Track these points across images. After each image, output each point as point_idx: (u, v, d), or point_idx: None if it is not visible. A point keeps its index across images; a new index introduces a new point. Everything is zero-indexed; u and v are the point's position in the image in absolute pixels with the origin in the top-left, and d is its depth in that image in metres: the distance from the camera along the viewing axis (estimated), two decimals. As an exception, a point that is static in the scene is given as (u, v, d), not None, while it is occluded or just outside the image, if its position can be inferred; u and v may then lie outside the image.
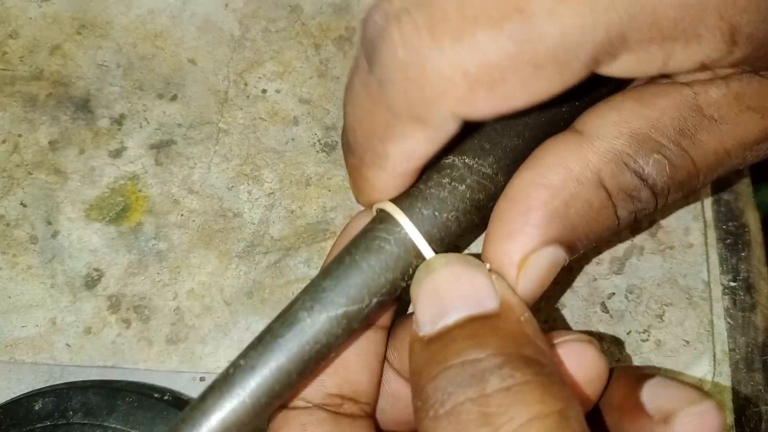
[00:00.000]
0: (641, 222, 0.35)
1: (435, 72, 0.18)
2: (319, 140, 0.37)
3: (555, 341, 0.21)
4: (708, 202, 0.36)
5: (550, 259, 0.21)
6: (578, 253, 0.22)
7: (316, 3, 0.39)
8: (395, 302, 0.25)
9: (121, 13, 0.39)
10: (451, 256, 0.21)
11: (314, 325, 0.21)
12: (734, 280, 0.36)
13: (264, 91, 0.38)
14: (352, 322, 0.21)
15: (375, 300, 0.22)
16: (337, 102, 0.37)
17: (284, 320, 0.22)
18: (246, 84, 0.38)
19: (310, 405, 0.23)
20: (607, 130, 0.21)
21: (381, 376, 0.25)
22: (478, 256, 0.22)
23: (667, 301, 0.34)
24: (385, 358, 0.25)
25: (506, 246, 0.21)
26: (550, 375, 0.18)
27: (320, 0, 0.39)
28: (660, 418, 0.20)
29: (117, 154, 0.36)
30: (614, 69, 0.19)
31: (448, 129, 0.19)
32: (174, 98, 0.37)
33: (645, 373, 0.22)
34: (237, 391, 0.21)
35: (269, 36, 0.39)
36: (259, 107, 0.37)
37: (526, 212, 0.21)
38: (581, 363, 0.21)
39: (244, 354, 0.22)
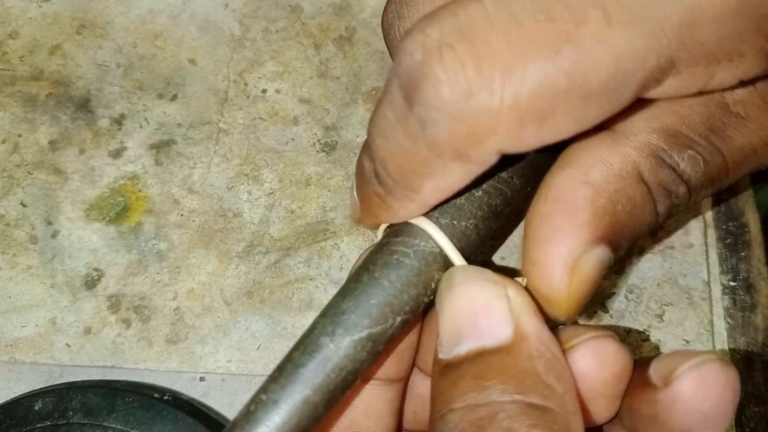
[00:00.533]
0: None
1: (484, 109, 0.17)
2: (319, 140, 0.37)
3: (574, 341, 0.21)
4: (708, 202, 0.36)
5: (600, 259, 0.20)
6: (622, 253, 0.22)
7: (316, 3, 0.39)
8: (419, 319, 0.24)
9: (121, 13, 0.39)
10: (470, 271, 0.20)
11: (338, 351, 0.20)
12: (734, 280, 0.36)
13: (264, 91, 0.38)
14: (378, 344, 0.20)
15: (399, 319, 0.20)
16: (337, 102, 0.37)
17: (305, 348, 0.20)
18: (246, 84, 0.38)
19: None
20: (641, 126, 0.20)
21: None
22: (502, 269, 0.22)
23: (667, 301, 0.34)
24: (400, 413, 0.24)
25: (555, 249, 0.20)
26: (553, 423, 0.17)
27: (320, 0, 0.39)
28: (662, 383, 0.20)
29: (117, 154, 0.36)
30: (658, 92, 0.19)
31: (489, 163, 0.19)
32: (174, 98, 0.37)
33: (656, 356, 0.21)
34: (262, 430, 0.19)
35: (269, 36, 0.39)
36: (259, 107, 0.37)
37: (574, 212, 0.20)
38: (605, 360, 0.20)
39: (265, 388, 0.20)
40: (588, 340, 0.21)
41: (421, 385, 0.25)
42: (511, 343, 0.18)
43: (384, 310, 0.20)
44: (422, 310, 0.22)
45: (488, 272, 0.20)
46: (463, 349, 0.19)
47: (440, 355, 0.19)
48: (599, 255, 0.20)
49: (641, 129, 0.20)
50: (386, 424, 0.24)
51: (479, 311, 0.19)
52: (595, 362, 0.20)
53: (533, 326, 0.19)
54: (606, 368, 0.20)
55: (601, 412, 0.21)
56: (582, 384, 0.20)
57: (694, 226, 0.35)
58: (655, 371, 0.20)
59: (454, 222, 0.21)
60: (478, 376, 0.18)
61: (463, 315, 0.19)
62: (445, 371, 0.19)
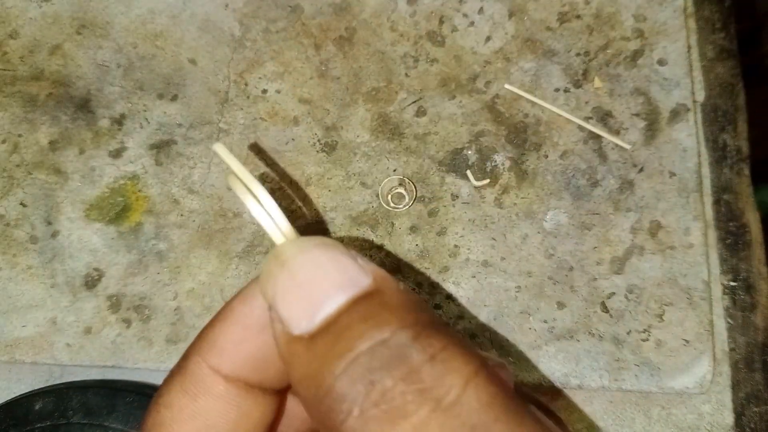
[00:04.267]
0: (642, 221, 0.35)
1: None
2: (319, 140, 0.37)
3: None
4: (708, 202, 0.36)
5: None
6: None
7: (316, 3, 0.39)
8: None
9: (121, 13, 0.39)
10: (302, 241, 0.19)
11: None
12: (734, 280, 0.35)
13: (264, 91, 0.38)
14: None
15: None
16: (337, 102, 0.37)
17: None
18: (246, 84, 0.38)
19: None
20: None
21: None
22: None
23: (667, 301, 0.34)
24: (275, 428, 0.22)
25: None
26: (456, 333, 0.18)
27: (320, 0, 0.39)
28: None
29: (117, 154, 0.36)
30: None
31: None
32: (174, 98, 0.37)
33: None
34: None
35: (269, 36, 0.39)
36: (259, 107, 0.37)
37: None
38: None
39: None
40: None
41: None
42: (377, 286, 0.18)
43: None
44: None
45: (319, 237, 0.20)
46: (331, 307, 0.18)
47: (297, 331, 0.18)
48: None
49: None
50: None
51: (331, 268, 0.18)
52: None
53: (383, 271, 0.19)
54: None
55: None
56: None
57: (694, 226, 0.35)
58: None
59: None
60: (367, 316, 0.17)
61: (314, 279, 0.18)
62: (315, 339, 0.18)
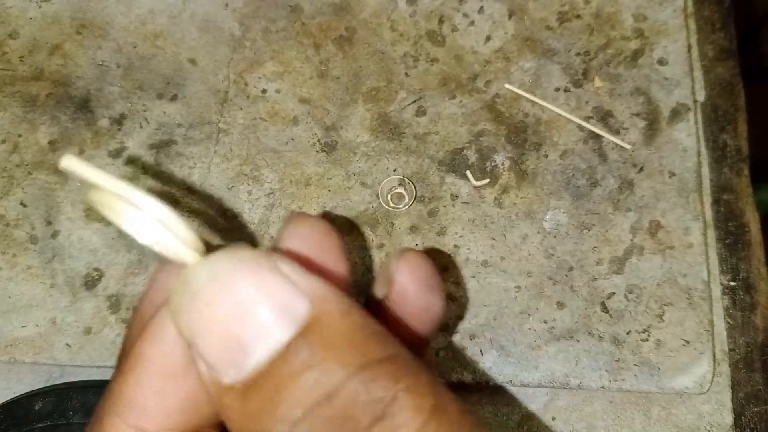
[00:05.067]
0: (641, 221, 0.35)
1: None
2: (319, 140, 0.37)
3: (392, 269, 0.19)
4: (708, 202, 0.36)
5: None
6: None
7: (316, 3, 0.39)
8: None
9: (121, 13, 0.39)
10: (215, 262, 0.15)
11: None
12: (734, 280, 0.35)
13: (264, 91, 0.38)
14: None
15: None
16: (337, 102, 0.37)
17: None
18: (246, 84, 0.38)
19: None
20: None
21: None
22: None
23: (667, 301, 0.34)
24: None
25: None
26: (409, 362, 0.15)
27: (320, 0, 0.39)
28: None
29: (117, 154, 0.36)
30: None
31: None
32: (174, 98, 0.37)
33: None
34: None
35: (269, 36, 0.39)
36: (259, 107, 0.37)
37: None
38: (414, 270, 0.19)
39: None
40: (401, 266, 0.19)
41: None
42: (317, 313, 0.15)
43: None
44: None
45: (234, 250, 0.15)
46: (260, 354, 0.14)
47: (226, 380, 0.15)
48: None
49: None
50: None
51: (256, 296, 0.15)
52: (414, 281, 0.19)
53: (321, 287, 0.15)
54: (416, 277, 0.19)
55: (424, 323, 0.20)
56: (408, 301, 0.19)
57: (694, 226, 0.35)
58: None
59: None
60: (306, 364, 0.14)
61: (236, 314, 0.15)
62: (250, 390, 0.15)
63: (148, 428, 0.17)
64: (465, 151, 0.36)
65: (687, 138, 0.36)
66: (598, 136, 0.36)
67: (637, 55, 0.37)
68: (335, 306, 0.15)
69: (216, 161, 0.36)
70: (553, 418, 0.35)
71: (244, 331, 0.15)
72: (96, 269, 0.34)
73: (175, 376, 0.17)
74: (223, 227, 0.35)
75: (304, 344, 0.14)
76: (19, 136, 0.36)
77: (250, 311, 0.15)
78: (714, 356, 0.33)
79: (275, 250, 0.18)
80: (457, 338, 0.34)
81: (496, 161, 0.36)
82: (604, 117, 0.36)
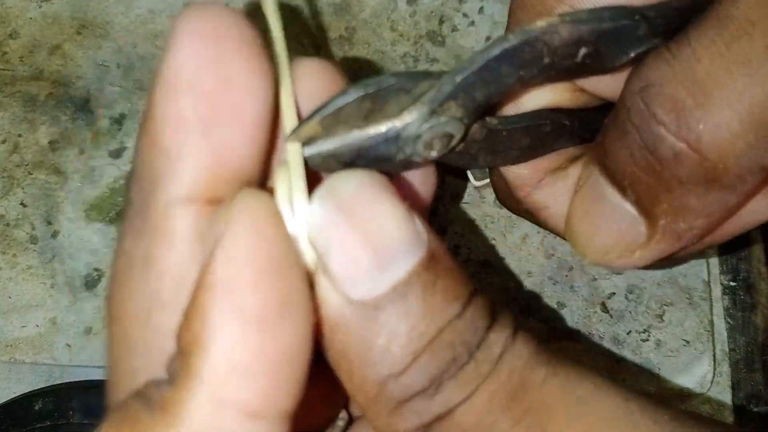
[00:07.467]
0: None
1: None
2: (319, 140, 0.37)
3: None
4: (708, 202, 0.36)
5: None
6: None
7: (316, 3, 0.39)
8: None
9: (121, 13, 0.39)
10: (360, 176, 0.15)
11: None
12: (734, 280, 0.35)
13: (264, 91, 0.38)
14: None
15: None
16: (337, 102, 0.37)
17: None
18: (246, 84, 0.38)
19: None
20: None
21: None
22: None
23: (667, 301, 0.34)
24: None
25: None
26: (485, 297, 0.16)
27: (320, 0, 0.39)
28: None
29: (117, 154, 0.36)
30: None
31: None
32: (174, 98, 0.37)
33: None
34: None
35: (269, 36, 0.39)
36: (259, 107, 0.37)
37: None
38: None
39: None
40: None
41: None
42: (432, 248, 0.15)
43: None
44: None
45: (364, 171, 0.16)
46: (399, 271, 0.14)
47: (355, 295, 0.15)
48: None
49: None
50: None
51: (398, 219, 0.15)
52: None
53: (427, 225, 0.16)
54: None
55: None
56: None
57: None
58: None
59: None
60: (431, 292, 0.15)
61: (382, 231, 0.15)
62: (376, 311, 0.15)
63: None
64: (465, 151, 0.36)
65: (687, 138, 0.36)
66: (598, 136, 0.36)
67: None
68: (442, 245, 0.16)
69: (216, 161, 0.36)
70: (554, 418, 0.35)
71: (386, 249, 0.14)
72: (96, 269, 0.34)
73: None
74: (223, 227, 0.35)
75: (430, 269, 0.15)
76: (19, 136, 0.37)
77: (397, 227, 0.15)
78: (714, 356, 0.33)
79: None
80: (457, 338, 0.34)
81: (496, 161, 0.36)
82: (604, 117, 0.36)
